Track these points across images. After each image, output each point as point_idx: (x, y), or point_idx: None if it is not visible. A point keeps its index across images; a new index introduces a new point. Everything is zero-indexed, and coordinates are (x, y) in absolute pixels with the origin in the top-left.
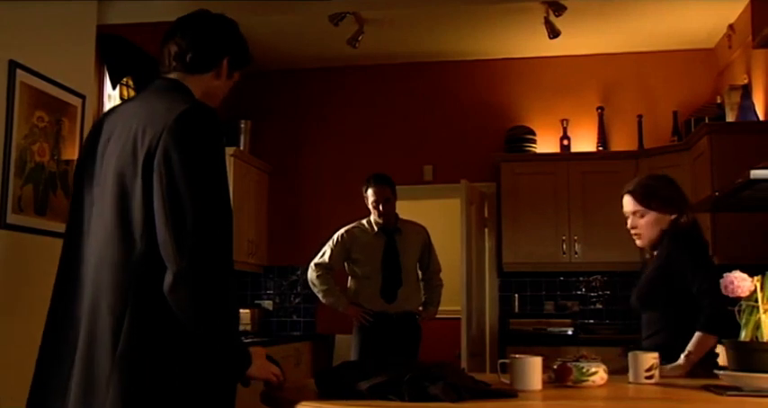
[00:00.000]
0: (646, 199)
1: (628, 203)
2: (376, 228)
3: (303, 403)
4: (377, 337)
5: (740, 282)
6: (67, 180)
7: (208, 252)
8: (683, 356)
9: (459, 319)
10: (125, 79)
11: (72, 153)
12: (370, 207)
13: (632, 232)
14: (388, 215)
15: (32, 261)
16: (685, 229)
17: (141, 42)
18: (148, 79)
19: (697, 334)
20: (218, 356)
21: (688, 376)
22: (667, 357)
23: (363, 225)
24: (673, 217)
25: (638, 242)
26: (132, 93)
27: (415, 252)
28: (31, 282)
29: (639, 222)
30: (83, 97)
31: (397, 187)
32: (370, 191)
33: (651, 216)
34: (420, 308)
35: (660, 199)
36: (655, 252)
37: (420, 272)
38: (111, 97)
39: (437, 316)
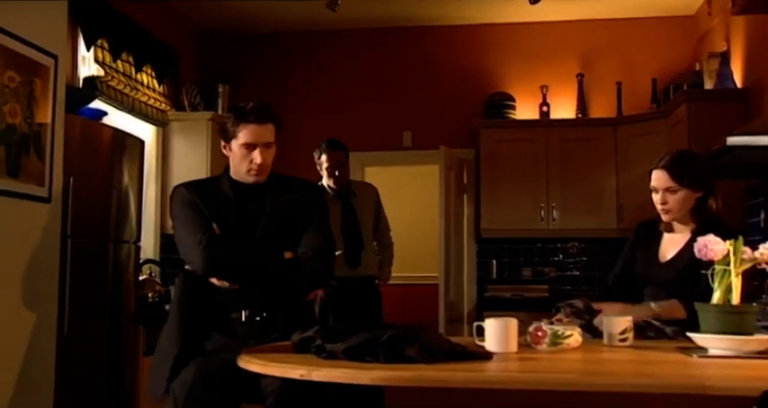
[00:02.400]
0: (680, 176)
1: (661, 178)
2: (331, 193)
3: (245, 357)
4: (339, 302)
5: (713, 246)
6: (40, 141)
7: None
8: (653, 304)
9: (436, 285)
10: (100, 41)
11: (45, 115)
12: (324, 172)
13: (661, 207)
14: (342, 180)
15: (5, 224)
16: (719, 216)
17: (116, 3)
18: (123, 41)
19: (673, 300)
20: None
21: (664, 340)
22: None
23: None
24: (699, 194)
25: (664, 216)
26: (107, 56)
27: (370, 213)
28: (5, 245)
29: (671, 198)
30: (55, 57)
31: (377, 153)
32: (324, 157)
33: (683, 192)
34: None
35: (693, 178)
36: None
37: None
38: (86, 59)
39: (416, 282)
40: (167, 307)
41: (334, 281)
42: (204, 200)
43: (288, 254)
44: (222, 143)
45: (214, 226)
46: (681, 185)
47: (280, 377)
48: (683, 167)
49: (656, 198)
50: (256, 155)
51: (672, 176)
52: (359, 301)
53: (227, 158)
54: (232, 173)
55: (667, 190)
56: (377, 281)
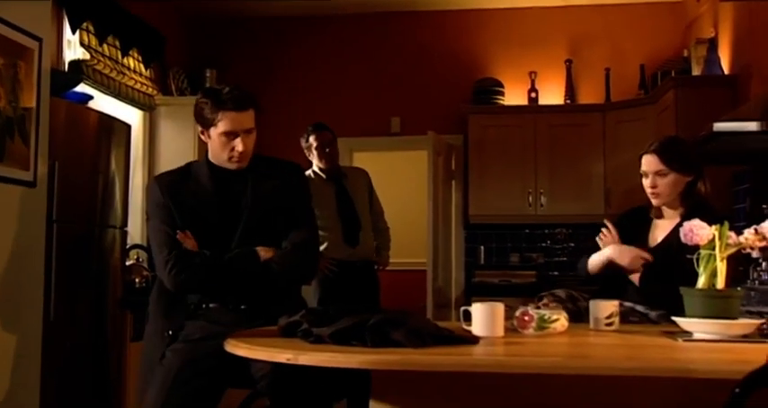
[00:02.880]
0: (670, 159)
1: (651, 162)
2: (324, 176)
3: (232, 341)
4: (338, 288)
5: (699, 230)
6: (25, 125)
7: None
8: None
9: (424, 271)
10: (85, 24)
11: (29, 99)
12: (314, 153)
13: (650, 191)
14: (333, 158)
15: None
16: (708, 201)
17: None
18: (109, 24)
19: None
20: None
21: (648, 324)
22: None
23: (310, 175)
24: (689, 178)
25: (654, 201)
26: (93, 39)
27: (364, 196)
28: None
29: (660, 182)
30: (40, 40)
31: (365, 138)
32: (312, 138)
33: (672, 176)
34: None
35: (682, 161)
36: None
37: None
38: (71, 43)
39: (404, 268)
40: None
41: (333, 266)
42: (179, 199)
43: (266, 254)
44: (200, 129)
45: (185, 234)
46: (670, 169)
47: (270, 362)
48: (672, 151)
49: (646, 182)
50: (238, 144)
51: (662, 160)
52: (358, 286)
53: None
54: (212, 159)
55: (657, 173)
56: (376, 267)
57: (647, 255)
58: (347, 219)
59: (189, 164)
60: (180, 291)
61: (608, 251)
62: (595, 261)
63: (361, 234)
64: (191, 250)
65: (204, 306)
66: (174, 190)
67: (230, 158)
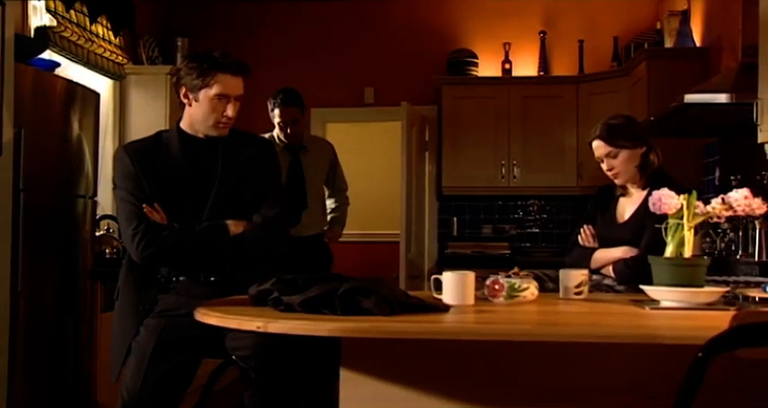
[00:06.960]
0: (614, 139)
1: (599, 147)
2: (281, 145)
3: (202, 310)
4: (287, 262)
5: (667, 200)
6: None
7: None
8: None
9: (397, 242)
10: None
11: None
12: (276, 126)
13: (610, 174)
14: (294, 136)
15: None
16: (661, 170)
17: None
18: None
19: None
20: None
21: (619, 293)
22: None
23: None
24: (642, 150)
25: (617, 181)
26: (60, 5)
27: (321, 171)
28: None
29: (614, 162)
30: (2, 4)
31: (338, 109)
32: (276, 112)
33: (624, 153)
34: (325, 228)
35: (627, 137)
36: (635, 191)
37: (327, 190)
38: (38, 9)
39: (377, 240)
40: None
41: None
42: (149, 168)
43: (236, 228)
44: (183, 91)
45: (153, 207)
46: (618, 147)
47: (254, 335)
48: (615, 131)
49: (604, 166)
50: (229, 108)
51: (608, 142)
52: (305, 259)
53: (181, 110)
54: (187, 126)
55: (608, 156)
56: (324, 239)
57: None
58: (292, 197)
59: (159, 133)
60: (147, 265)
61: (619, 252)
62: (604, 259)
63: (304, 213)
64: (159, 223)
65: (174, 279)
66: (144, 159)
67: (218, 123)
